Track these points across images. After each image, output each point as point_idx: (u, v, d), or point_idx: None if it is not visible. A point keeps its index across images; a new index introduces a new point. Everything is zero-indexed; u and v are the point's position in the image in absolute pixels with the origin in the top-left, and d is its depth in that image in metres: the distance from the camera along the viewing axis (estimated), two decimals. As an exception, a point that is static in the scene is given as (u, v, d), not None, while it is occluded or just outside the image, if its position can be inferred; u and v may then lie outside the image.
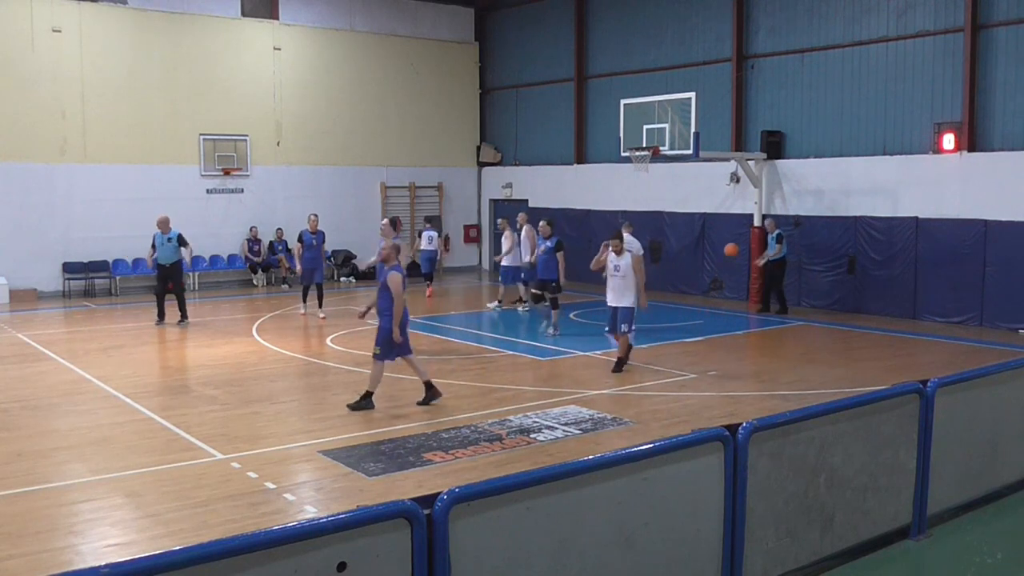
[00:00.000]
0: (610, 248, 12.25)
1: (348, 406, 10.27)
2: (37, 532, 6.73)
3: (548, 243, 15.73)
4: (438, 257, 22.75)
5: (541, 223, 16.21)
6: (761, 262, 18.13)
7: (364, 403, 10.26)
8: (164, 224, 16.53)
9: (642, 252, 15.81)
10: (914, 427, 6.21)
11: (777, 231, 17.94)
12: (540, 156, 25.77)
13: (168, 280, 16.56)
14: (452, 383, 11.60)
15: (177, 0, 22.18)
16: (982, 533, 6.55)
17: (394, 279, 10.10)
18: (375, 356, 10.33)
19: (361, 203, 25.13)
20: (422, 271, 21.78)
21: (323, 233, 17.40)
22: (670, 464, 4.77)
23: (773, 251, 17.77)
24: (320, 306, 17.43)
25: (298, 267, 17.39)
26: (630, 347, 12.53)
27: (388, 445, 8.86)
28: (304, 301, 17.56)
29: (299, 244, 17.32)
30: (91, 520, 7.01)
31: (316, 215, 17.63)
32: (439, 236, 22.82)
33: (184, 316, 16.64)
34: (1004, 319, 15.98)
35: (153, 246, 16.48)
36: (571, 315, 17.71)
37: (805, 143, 19.34)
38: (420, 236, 22.38)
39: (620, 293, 12.15)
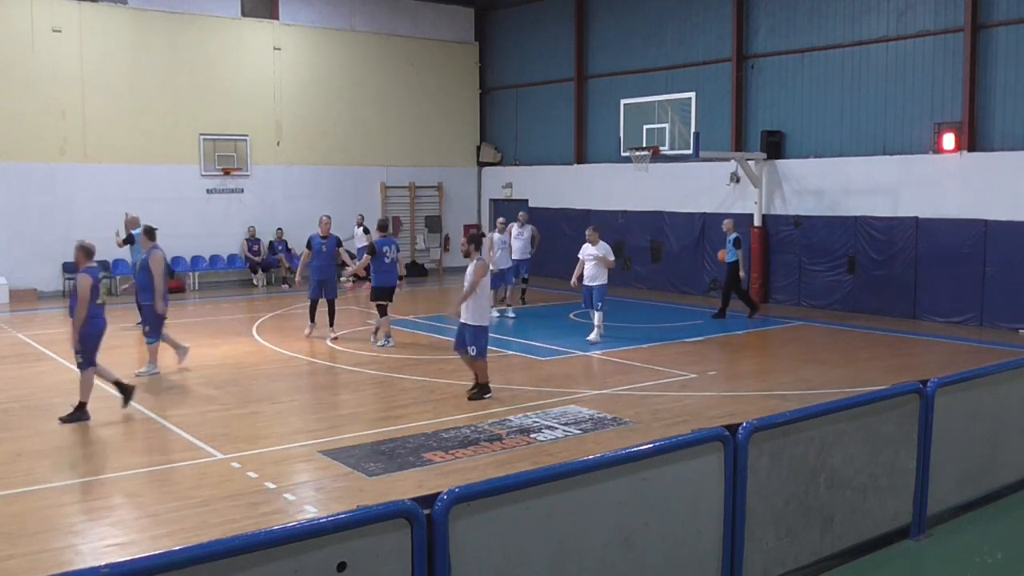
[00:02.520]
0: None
1: (60, 419, 9.66)
2: (37, 532, 6.72)
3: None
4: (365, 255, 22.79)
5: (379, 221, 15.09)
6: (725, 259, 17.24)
7: (78, 415, 9.68)
8: (137, 222, 16.48)
9: (612, 258, 14.78)
10: (914, 427, 6.21)
11: (735, 235, 17.15)
12: (540, 156, 25.77)
13: None
14: (452, 383, 11.60)
15: (177, 0, 22.18)
16: (982, 533, 6.55)
17: (80, 282, 9.66)
18: (79, 366, 9.88)
19: (361, 203, 25.11)
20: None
21: (336, 238, 15.03)
22: (670, 464, 4.77)
23: (732, 257, 16.99)
24: (331, 324, 14.80)
25: (298, 277, 15.17)
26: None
27: (388, 445, 8.86)
28: (312, 320, 15.02)
29: (307, 251, 14.81)
30: (91, 520, 7.01)
31: (329, 217, 15.21)
32: (367, 233, 21.85)
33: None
34: (1004, 319, 15.98)
35: (129, 242, 16.20)
36: (571, 315, 17.70)
37: (805, 143, 19.34)
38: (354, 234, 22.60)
39: (465, 306, 10.58)
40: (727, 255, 17.17)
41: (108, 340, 15.06)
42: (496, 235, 18.08)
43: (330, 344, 14.33)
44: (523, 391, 11.23)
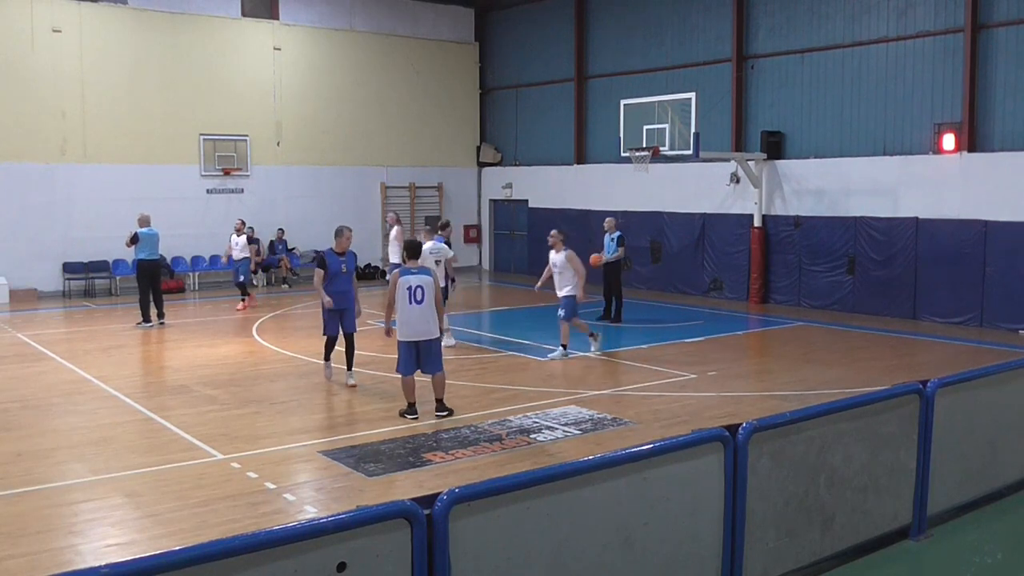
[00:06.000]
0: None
1: None
2: (37, 532, 6.73)
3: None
4: (249, 267, 19.37)
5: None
6: (600, 262, 16.47)
7: None
8: (148, 221, 16.54)
9: (449, 258, 13.83)
10: (914, 427, 6.21)
11: (618, 233, 16.71)
12: (540, 156, 25.77)
13: (157, 278, 16.64)
14: (452, 383, 11.58)
15: (177, 0, 22.19)
16: (982, 533, 6.55)
17: None
18: None
19: (361, 203, 25.14)
20: (235, 281, 19.33)
21: (354, 255, 11.77)
22: (670, 464, 4.76)
23: (612, 253, 16.57)
24: (350, 366, 11.54)
25: (325, 299, 11.24)
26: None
27: (388, 445, 8.87)
28: (327, 358, 11.78)
29: (320, 272, 11.29)
30: (91, 520, 7.01)
31: (350, 228, 11.69)
32: (250, 243, 19.33)
33: (162, 315, 16.70)
34: (1004, 319, 15.98)
35: (135, 241, 16.24)
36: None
37: (805, 143, 19.34)
38: (230, 242, 19.28)
39: (430, 322, 9.71)
40: (605, 256, 16.53)
41: (111, 341, 15.22)
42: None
43: (347, 384, 11.54)
44: (523, 391, 11.23)
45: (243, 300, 18.97)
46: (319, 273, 11.36)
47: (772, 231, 19.58)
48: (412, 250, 9.92)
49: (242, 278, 19.08)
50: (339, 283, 11.28)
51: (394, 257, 17.76)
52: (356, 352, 11.69)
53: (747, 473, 5.05)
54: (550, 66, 25.14)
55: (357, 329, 11.73)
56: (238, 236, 19.07)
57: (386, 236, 25.46)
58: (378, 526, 3.63)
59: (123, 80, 21.59)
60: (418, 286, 9.53)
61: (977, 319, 16.36)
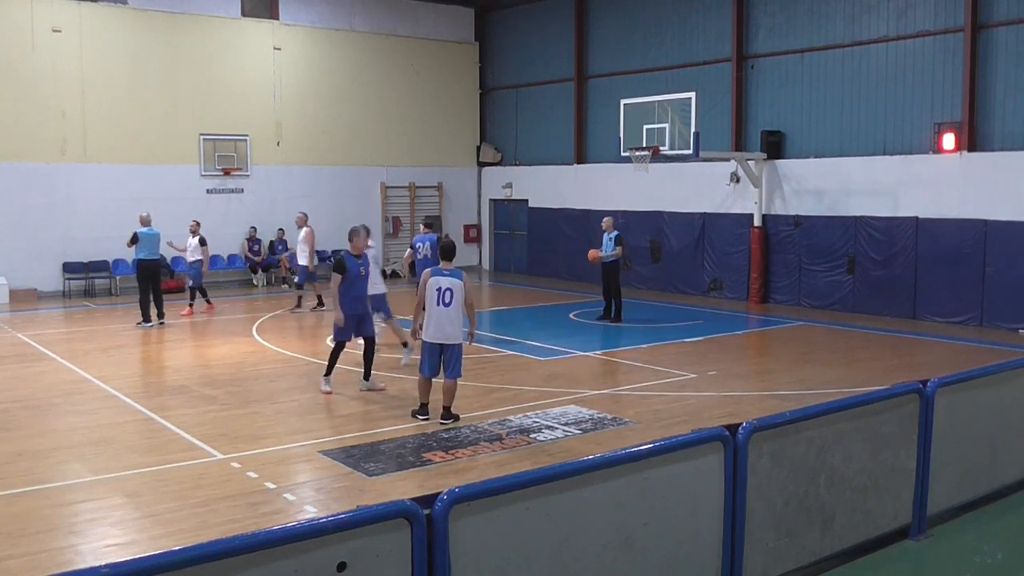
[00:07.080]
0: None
1: None
2: (37, 532, 6.73)
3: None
4: (201, 269, 17.83)
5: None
6: (597, 258, 16.52)
7: None
8: (148, 221, 16.52)
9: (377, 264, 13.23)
10: (914, 427, 6.21)
11: (616, 232, 16.57)
12: (540, 156, 25.77)
13: (156, 278, 16.60)
14: (452, 383, 11.58)
15: (177, 0, 22.19)
16: (982, 533, 6.55)
17: None
18: None
19: (361, 203, 25.12)
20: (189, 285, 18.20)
21: (370, 253, 11.30)
22: (670, 464, 4.77)
23: (610, 252, 16.43)
24: (368, 373, 11.19)
25: (338, 315, 10.61)
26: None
27: (388, 445, 8.87)
28: (329, 371, 11.04)
29: (338, 277, 10.52)
30: (91, 520, 7.01)
31: (367, 228, 11.17)
32: (203, 245, 17.67)
33: (162, 315, 16.68)
34: (1004, 319, 15.98)
35: (135, 241, 16.23)
36: (571, 315, 17.70)
37: (805, 143, 19.33)
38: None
39: (456, 325, 9.50)
40: (603, 253, 16.47)
41: (111, 341, 15.21)
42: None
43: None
44: (523, 391, 11.23)
45: (190, 305, 17.98)
46: (336, 278, 10.56)
47: (772, 231, 19.58)
48: (446, 251, 9.68)
49: (191, 283, 18.09)
50: (358, 287, 10.71)
51: (302, 260, 17.77)
52: (356, 352, 11.65)
53: (747, 473, 5.05)
54: (550, 66, 25.14)
55: (374, 332, 11.28)
56: (192, 237, 17.71)
57: (388, 236, 25.60)
58: (378, 526, 3.63)
59: (123, 80, 21.59)
60: (448, 288, 9.35)
61: (977, 319, 16.36)
